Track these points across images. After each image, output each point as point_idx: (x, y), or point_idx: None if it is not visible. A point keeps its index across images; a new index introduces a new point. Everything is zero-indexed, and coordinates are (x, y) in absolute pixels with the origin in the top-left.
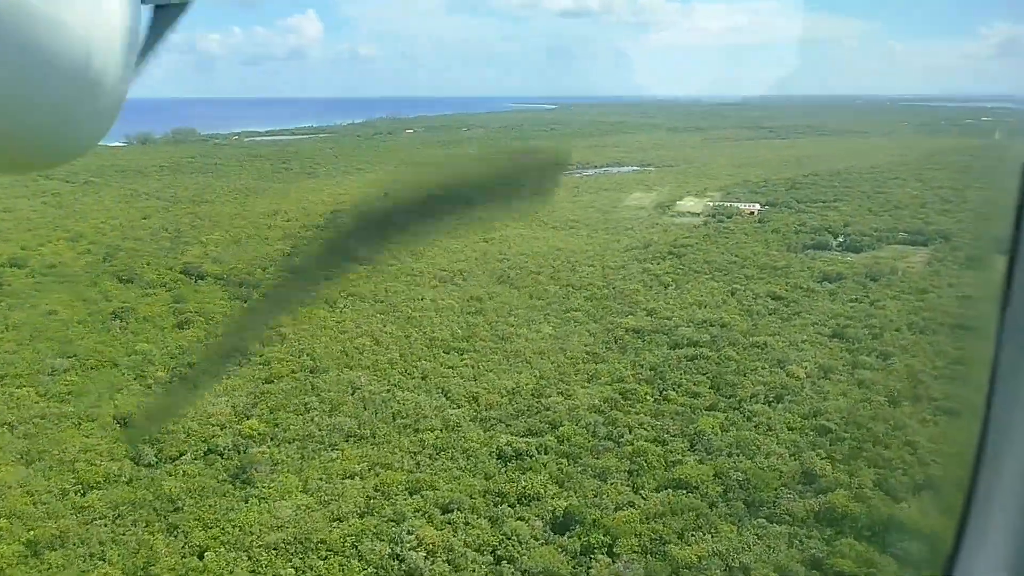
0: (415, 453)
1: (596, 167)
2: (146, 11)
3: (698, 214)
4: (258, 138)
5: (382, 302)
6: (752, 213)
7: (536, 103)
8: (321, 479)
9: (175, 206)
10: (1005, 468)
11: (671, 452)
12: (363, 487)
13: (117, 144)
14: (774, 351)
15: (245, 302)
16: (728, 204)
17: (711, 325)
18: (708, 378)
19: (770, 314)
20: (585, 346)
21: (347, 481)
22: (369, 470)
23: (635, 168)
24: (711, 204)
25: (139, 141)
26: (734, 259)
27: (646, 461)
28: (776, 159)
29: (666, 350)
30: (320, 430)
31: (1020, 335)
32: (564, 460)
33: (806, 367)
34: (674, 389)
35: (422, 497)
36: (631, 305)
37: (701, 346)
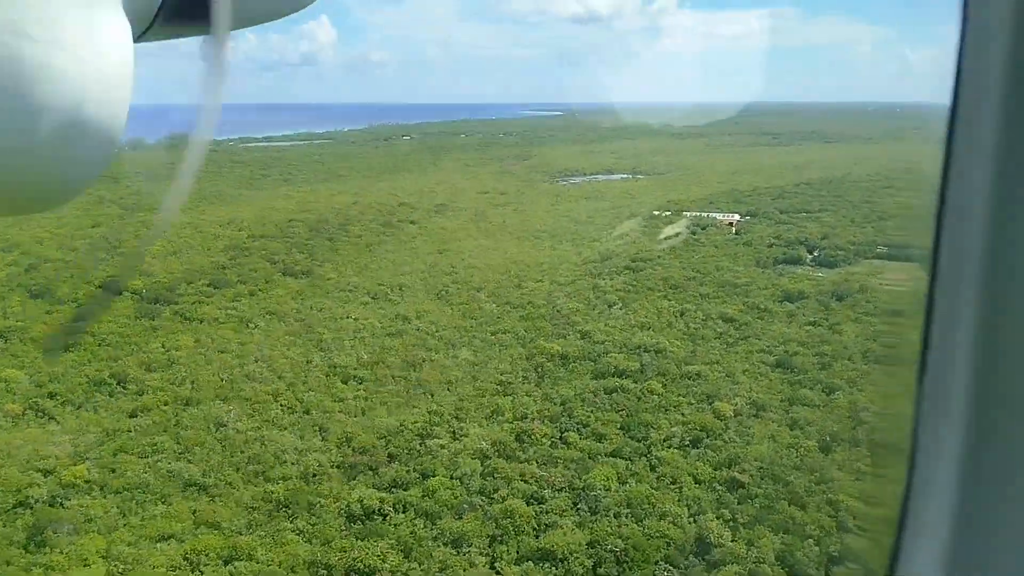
0: (252, 509)
1: (586, 174)
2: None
3: (673, 225)
4: (253, 144)
5: (301, 321)
6: (731, 224)
7: (547, 109)
8: (130, 543)
9: (131, 214)
10: (938, 466)
11: (547, 512)
12: (173, 554)
13: None
14: (706, 383)
15: (152, 319)
16: (707, 215)
17: (646, 351)
18: (622, 416)
19: (716, 338)
20: (500, 375)
21: (159, 545)
22: (192, 530)
23: (625, 176)
24: (689, 214)
25: (130, 147)
26: (694, 275)
27: (514, 524)
28: (774, 166)
29: (587, 380)
30: (158, 478)
31: (948, 327)
32: (421, 521)
33: (736, 404)
34: (578, 429)
35: (233, 568)
36: (567, 327)
37: (627, 376)
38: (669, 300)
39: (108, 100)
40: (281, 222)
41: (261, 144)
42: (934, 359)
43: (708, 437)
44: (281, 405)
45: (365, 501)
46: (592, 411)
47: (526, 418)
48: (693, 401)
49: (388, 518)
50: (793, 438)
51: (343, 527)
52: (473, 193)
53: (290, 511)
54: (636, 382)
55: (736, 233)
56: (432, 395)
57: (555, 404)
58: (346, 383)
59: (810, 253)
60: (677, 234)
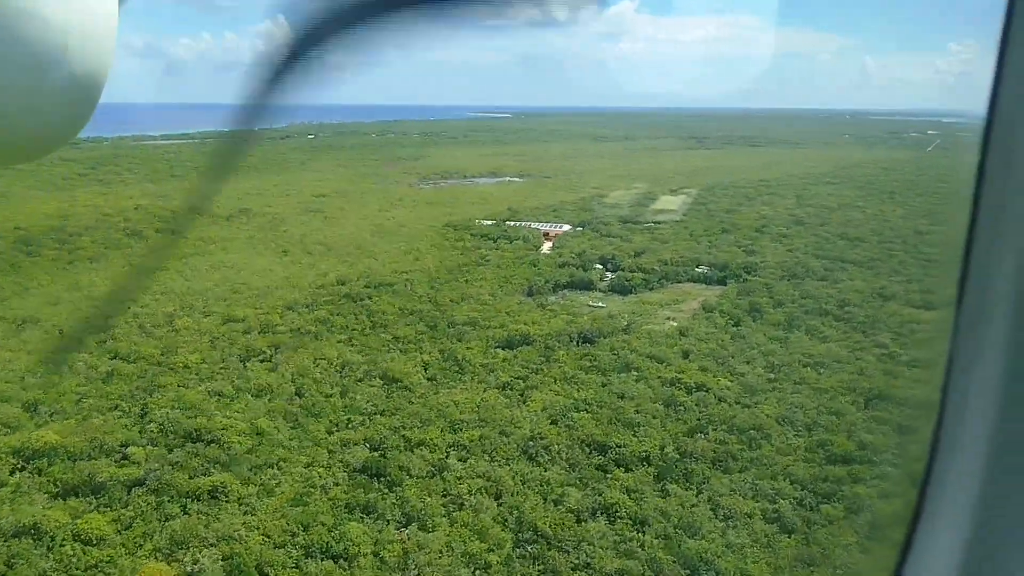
0: None
1: (465, 177)
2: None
3: (485, 236)
4: (140, 143)
5: None
6: (554, 236)
7: (499, 112)
8: None
9: None
10: (956, 471)
11: None
12: None
13: None
14: (208, 513)
15: None
16: (536, 225)
17: (195, 442)
18: None
19: (332, 414)
20: None
21: None
22: None
23: (507, 179)
24: (517, 224)
25: None
26: (422, 308)
27: None
28: (672, 170)
29: (34, 503)
30: None
31: (972, 334)
32: None
33: (201, 561)
34: None
35: None
36: (138, 395)
37: (104, 495)
38: (348, 347)
39: (93, 51)
40: (3, 231)
41: (161, 142)
42: (961, 359)
43: None
44: None
45: None
46: None
47: None
48: (144, 556)
49: None
50: None
51: None
52: (305, 196)
53: None
54: (109, 506)
55: (553, 248)
56: None
57: None
58: None
59: (610, 274)
60: (479, 247)
